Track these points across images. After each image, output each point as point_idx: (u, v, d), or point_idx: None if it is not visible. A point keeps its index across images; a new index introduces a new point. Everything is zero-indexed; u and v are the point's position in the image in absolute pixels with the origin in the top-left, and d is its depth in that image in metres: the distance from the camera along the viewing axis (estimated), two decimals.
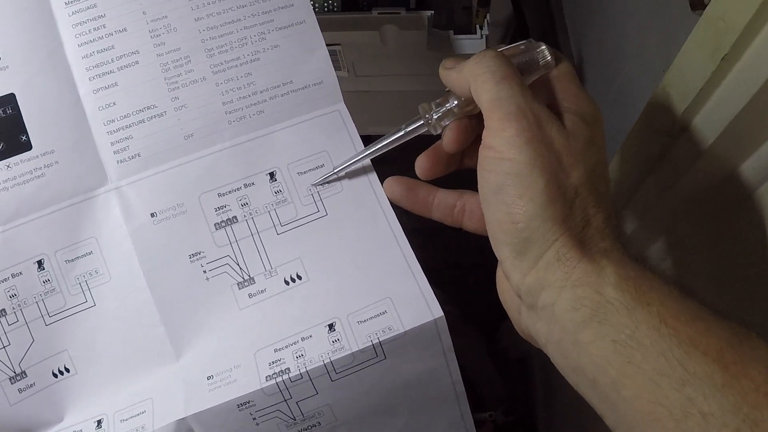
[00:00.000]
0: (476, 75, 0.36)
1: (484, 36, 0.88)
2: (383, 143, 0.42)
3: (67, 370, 0.42)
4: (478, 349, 0.95)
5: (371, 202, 0.44)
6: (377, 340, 0.39)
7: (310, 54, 0.46)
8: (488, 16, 0.88)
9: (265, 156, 0.45)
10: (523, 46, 0.39)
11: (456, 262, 0.86)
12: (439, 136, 0.41)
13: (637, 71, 0.65)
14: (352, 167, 0.44)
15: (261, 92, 0.45)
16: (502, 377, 0.96)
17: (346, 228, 0.43)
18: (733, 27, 0.35)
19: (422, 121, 0.41)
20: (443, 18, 0.91)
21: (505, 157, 0.34)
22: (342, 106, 0.46)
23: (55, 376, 0.42)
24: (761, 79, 0.36)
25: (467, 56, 0.37)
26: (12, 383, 0.41)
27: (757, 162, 0.42)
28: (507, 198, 0.34)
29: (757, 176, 0.42)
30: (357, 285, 0.42)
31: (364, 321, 0.40)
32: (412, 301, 0.41)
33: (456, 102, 0.39)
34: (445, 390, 0.42)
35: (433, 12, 0.84)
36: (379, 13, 0.84)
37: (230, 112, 0.45)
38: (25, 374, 0.42)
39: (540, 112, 0.34)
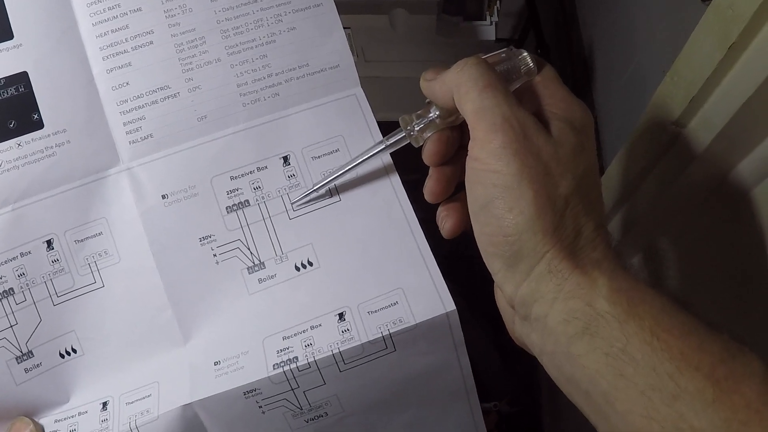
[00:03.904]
0: (459, 84, 0.35)
1: (493, 23, 0.87)
2: (364, 157, 0.42)
3: (74, 351, 0.42)
4: (484, 340, 0.95)
5: (386, 189, 0.43)
6: (387, 332, 0.39)
7: (326, 37, 0.46)
8: (499, 4, 0.87)
9: (279, 139, 0.44)
10: (504, 54, 0.38)
11: (464, 252, 0.86)
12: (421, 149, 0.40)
13: (647, 61, 0.65)
14: (336, 181, 0.43)
15: (276, 75, 0.45)
16: (508, 368, 0.96)
17: (360, 215, 0.43)
18: (741, 15, 0.35)
19: (404, 134, 0.40)
20: (454, 5, 0.90)
21: (492, 169, 0.33)
22: (359, 90, 0.46)
23: (62, 356, 0.42)
24: None
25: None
26: (18, 363, 0.41)
27: (765, 151, 0.42)
28: (496, 211, 0.33)
29: (765, 166, 0.42)
30: (369, 274, 0.41)
31: (375, 311, 0.40)
32: (424, 293, 0.40)
33: (438, 113, 0.39)
34: (454, 384, 0.42)
35: None
36: None
37: (245, 95, 0.44)
38: (32, 354, 0.41)
39: (526, 121, 0.34)
